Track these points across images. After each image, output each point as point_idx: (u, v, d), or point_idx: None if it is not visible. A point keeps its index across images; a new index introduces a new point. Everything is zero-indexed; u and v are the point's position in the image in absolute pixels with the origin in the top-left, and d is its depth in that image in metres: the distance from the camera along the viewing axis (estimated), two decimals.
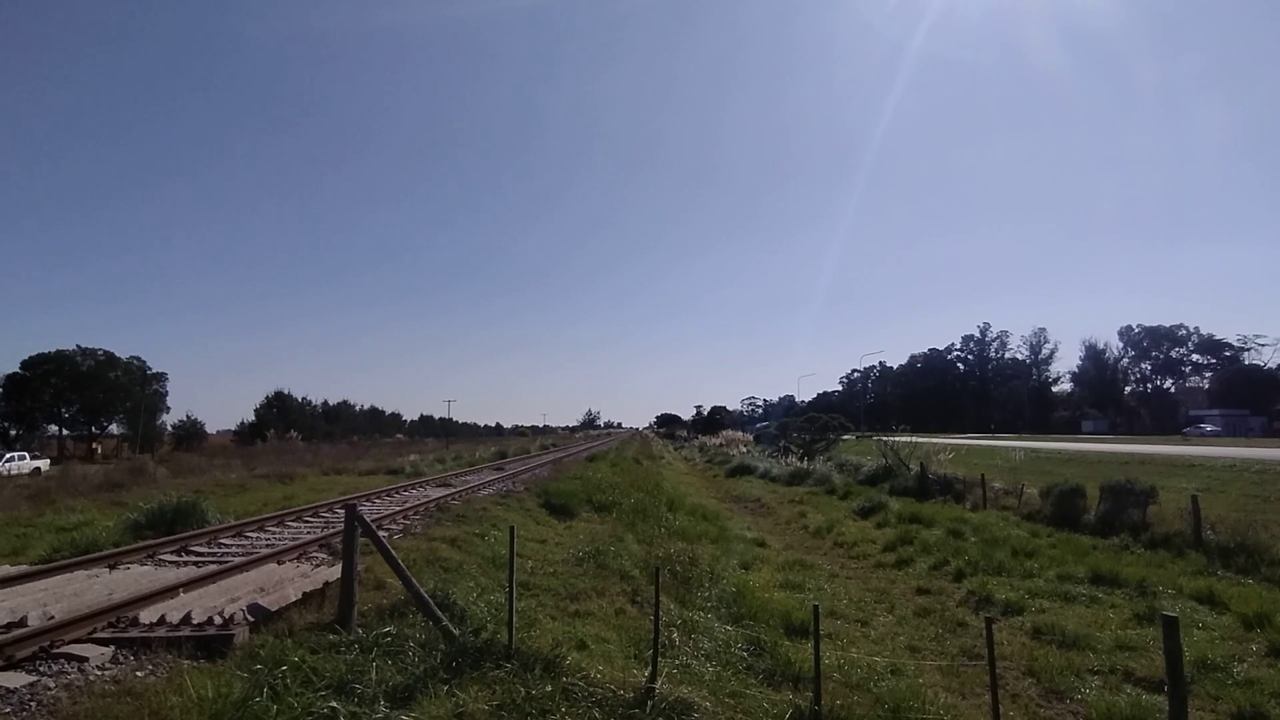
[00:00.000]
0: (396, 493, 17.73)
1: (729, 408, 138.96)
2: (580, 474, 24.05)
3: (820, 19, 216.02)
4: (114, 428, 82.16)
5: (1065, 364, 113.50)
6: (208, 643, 5.48)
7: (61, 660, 5.07)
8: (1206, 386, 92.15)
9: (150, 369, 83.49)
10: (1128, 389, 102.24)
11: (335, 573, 7.31)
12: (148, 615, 6.01)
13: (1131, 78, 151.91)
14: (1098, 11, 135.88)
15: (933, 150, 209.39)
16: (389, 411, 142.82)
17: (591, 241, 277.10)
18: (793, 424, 54.32)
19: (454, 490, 17.97)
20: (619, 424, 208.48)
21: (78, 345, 77.52)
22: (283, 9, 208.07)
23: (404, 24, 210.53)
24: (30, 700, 4.39)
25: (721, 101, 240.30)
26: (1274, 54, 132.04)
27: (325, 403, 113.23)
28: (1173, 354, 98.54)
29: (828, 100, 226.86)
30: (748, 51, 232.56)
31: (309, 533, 11.12)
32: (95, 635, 5.57)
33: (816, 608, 5.45)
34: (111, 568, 8.25)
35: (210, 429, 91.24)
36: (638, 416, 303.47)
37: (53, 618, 5.80)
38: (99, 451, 70.95)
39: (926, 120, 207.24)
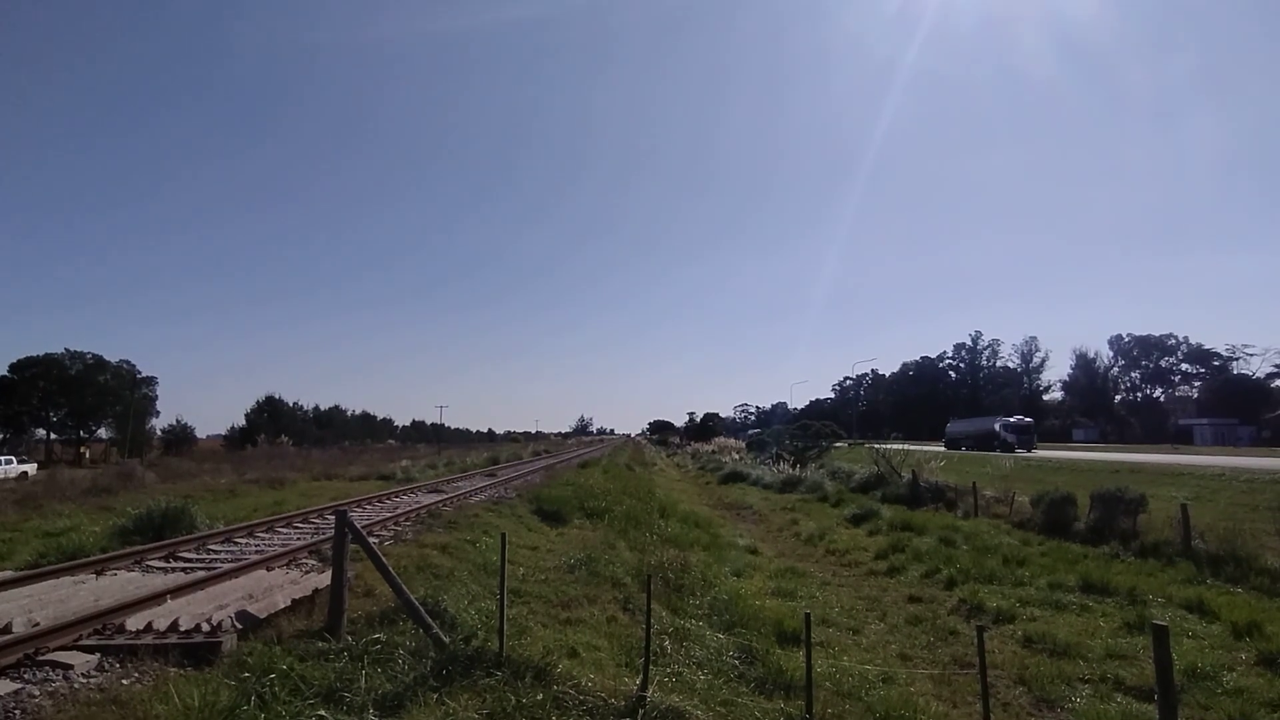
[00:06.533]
0: (388, 499, 17.64)
1: (722, 414, 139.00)
2: (572, 480, 23.99)
3: (815, 29, 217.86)
4: (102, 432, 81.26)
5: (1056, 373, 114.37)
6: (195, 650, 5.42)
7: (46, 668, 5.01)
8: (1196, 396, 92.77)
9: (140, 373, 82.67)
10: (1118, 398, 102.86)
11: (325, 579, 7.26)
12: (134, 622, 5.95)
13: (1123, 89, 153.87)
14: (1090, 24, 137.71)
15: (926, 160, 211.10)
16: (381, 417, 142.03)
17: (586, 248, 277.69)
18: (785, 431, 54.59)
19: (445, 496, 17.89)
20: (612, 430, 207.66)
21: (66, 348, 76.85)
22: (277, 16, 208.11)
23: (399, 33, 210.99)
24: (14, 708, 4.34)
25: (716, 111, 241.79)
26: (1263, 67, 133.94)
27: (317, 408, 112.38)
28: (1162, 363, 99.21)
29: (823, 109, 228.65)
30: (742, 63, 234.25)
31: (299, 539, 11.04)
32: (81, 642, 5.51)
33: (808, 615, 5.45)
34: (98, 574, 8.17)
35: (200, 434, 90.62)
36: (630, 423, 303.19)
37: (38, 624, 5.73)
38: (87, 456, 70.38)
39: (920, 130, 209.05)
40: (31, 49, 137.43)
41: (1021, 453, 44.95)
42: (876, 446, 32.07)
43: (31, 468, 41.91)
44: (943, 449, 49.53)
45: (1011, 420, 55.55)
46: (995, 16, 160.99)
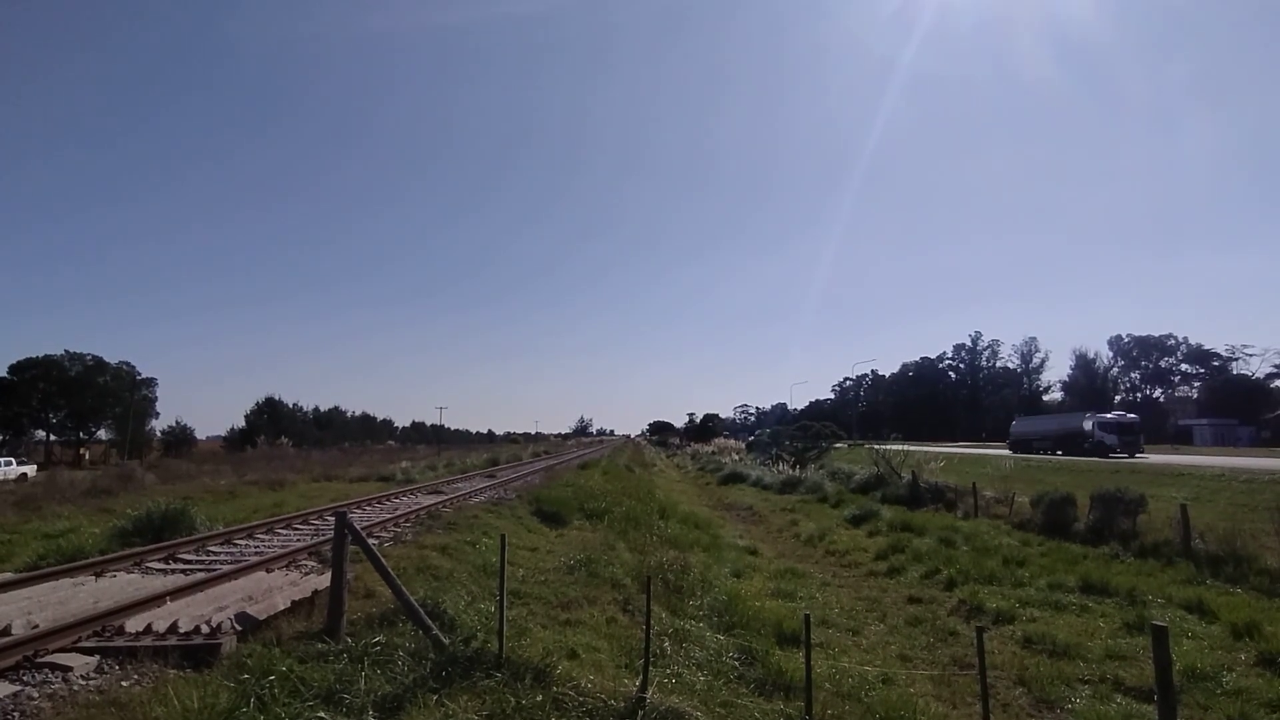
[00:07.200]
0: (387, 500, 17.64)
1: (721, 415, 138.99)
2: (572, 481, 24.00)
3: (813, 28, 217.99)
4: (102, 433, 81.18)
5: (1056, 373, 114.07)
6: (194, 652, 5.43)
7: (46, 670, 5.01)
8: (1195, 396, 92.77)
9: (139, 374, 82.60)
10: (1117, 398, 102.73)
11: (325, 581, 7.27)
12: (134, 624, 5.95)
13: (1121, 90, 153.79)
14: (1086, 24, 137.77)
15: (924, 160, 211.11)
16: (380, 418, 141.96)
17: (584, 248, 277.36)
18: (785, 432, 54.57)
19: (445, 497, 17.89)
20: (611, 431, 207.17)
21: (66, 350, 76.81)
22: (274, 12, 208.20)
23: (396, 29, 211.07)
24: (13, 710, 4.34)
25: (715, 110, 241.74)
26: (1259, 69, 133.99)
27: (316, 409, 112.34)
28: (1162, 364, 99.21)
29: (821, 108, 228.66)
30: (741, 61, 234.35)
31: (299, 540, 11.04)
32: (80, 644, 5.51)
33: (808, 616, 5.44)
34: (98, 575, 8.17)
35: (200, 435, 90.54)
36: (630, 424, 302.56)
37: (37, 626, 5.73)
38: (86, 457, 70.28)
39: (918, 130, 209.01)
40: (26, 45, 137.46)
41: (1122, 457, 38.12)
42: (876, 447, 31.98)
43: (31, 469, 41.85)
44: (1006, 452, 45.21)
45: (1109, 417, 44.57)
46: (992, 16, 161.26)
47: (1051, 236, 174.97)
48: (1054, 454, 42.94)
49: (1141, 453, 40.59)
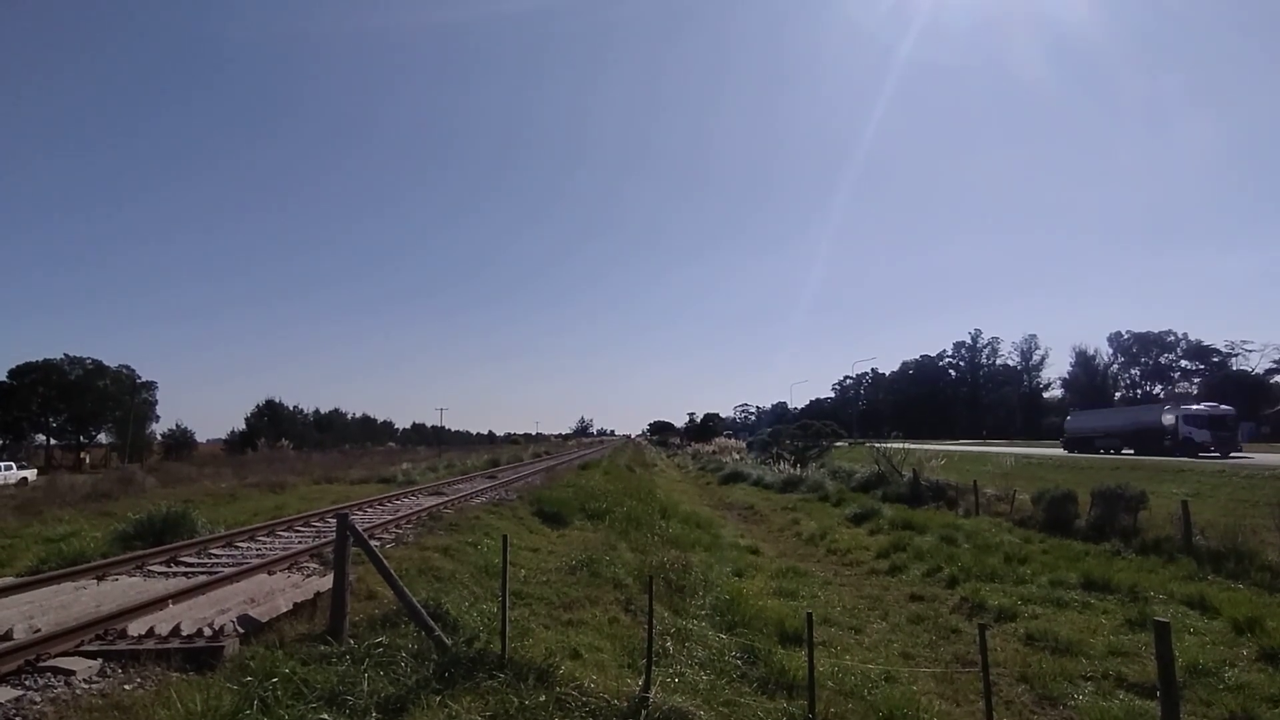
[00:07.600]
0: (388, 501, 17.65)
1: (722, 415, 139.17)
2: (573, 482, 24.01)
3: (811, 28, 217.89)
4: (102, 437, 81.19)
5: (1056, 370, 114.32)
6: (197, 655, 5.43)
7: (48, 674, 5.01)
8: (1195, 392, 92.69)
9: (139, 377, 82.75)
10: (1118, 395, 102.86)
11: (327, 583, 7.26)
12: (136, 627, 5.95)
13: (1116, 91, 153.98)
14: (1081, 24, 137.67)
15: (923, 159, 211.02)
16: (381, 420, 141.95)
17: (585, 248, 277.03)
18: (785, 431, 54.59)
19: (446, 499, 17.88)
20: (612, 431, 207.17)
21: (65, 354, 76.95)
22: (273, 12, 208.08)
23: (396, 28, 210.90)
24: (15, 715, 4.34)
25: (714, 107, 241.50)
26: (1253, 71, 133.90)
27: (317, 411, 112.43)
28: (1161, 360, 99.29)
29: (819, 107, 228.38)
30: (740, 57, 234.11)
31: (300, 542, 11.04)
32: (82, 648, 5.51)
33: (810, 615, 5.45)
34: (99, 579, 8.17)
35: (200, 438, 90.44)
36: (631, 424, 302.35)
37: (39, 630, 5.73)
38: (87, 461, 70.28)
39: (916, 130, 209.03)
40: (22, 46, 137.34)
41: (1214, 456, 31.58)
42: (877, 445, 31.97)
43: (31, 473, 41.79)
44: (1061, 451, 40.96)
45: (1199, 409, 36.32)
46: (989, 16, 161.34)
47: (1050, 234, 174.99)
48: (1121, 453, 37.38)
49: (1239, 451, 34.02)
